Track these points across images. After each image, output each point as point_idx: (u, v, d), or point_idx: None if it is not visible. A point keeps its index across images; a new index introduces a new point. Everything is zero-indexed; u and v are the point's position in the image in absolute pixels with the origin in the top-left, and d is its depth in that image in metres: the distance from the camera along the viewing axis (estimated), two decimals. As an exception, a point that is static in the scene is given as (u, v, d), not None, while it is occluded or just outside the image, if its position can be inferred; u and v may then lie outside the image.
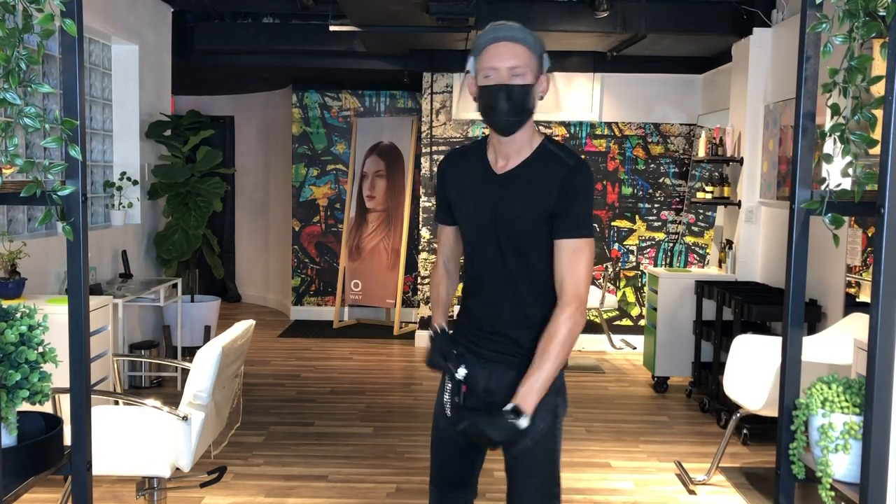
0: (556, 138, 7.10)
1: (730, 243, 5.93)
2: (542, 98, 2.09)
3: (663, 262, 7.24)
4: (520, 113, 2.04)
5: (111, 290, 5.08)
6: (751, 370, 3.93)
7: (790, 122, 5.22)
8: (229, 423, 3.48)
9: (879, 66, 1.61)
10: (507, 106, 2.02)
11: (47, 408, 2.75)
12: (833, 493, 1.77)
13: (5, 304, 1.80)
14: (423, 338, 7.24)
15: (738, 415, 4.14)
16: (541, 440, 2.13)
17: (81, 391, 1.78)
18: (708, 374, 5.41)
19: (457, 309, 2.35)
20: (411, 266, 7.99)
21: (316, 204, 8.37)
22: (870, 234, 4.22)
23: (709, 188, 6.01)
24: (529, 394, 2.00)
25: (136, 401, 3.03)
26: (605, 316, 6.99)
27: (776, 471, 1.91)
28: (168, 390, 5.63)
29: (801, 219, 1.84)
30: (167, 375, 5.88)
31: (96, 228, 5.61)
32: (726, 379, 4.12)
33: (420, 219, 7.43)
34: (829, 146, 1.76)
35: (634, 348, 6.98)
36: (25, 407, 1.75)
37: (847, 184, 1.74)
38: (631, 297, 7.29)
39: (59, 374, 1.83)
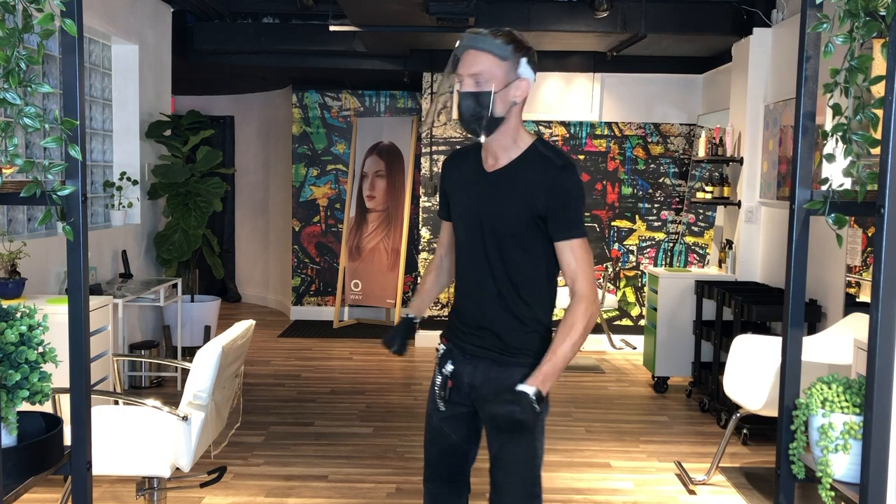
0: (556, 138, 7.13)
1: (730, 243, 5.93)
2: (516, 103, 2.12)
3: (663, 262, 7.24)
4: (483, 118, 2.08)
5: (111, 290, 5.08)
6: (751, 370, 3.93)
7: (790, 122, 5.22)
8: (229, 423, 3.48)
9: (880, 66, 1.61)
10: (468, 112, 2.09)
11: (47, 408, 2.75)
12: (833, 493, 1.77)
13: (5, 304, 1.80)
14: (422, 337, 7.24)
15: (738, 415, 4.14)
16: (520, 435, 2.17)
17: (81, 391, 1.78)
18: (708, 374, 5.41)
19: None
20: (411, 266, 7.99)
21: (316, 204, 8.37)
22: (870, 234, 4.22)
23: (709, 188, 6.01)
24: (544, 378, 2.07)
25: (136, 401, 3.03)
26: (605, 316, 6.99)
27: (776, 471, 1.91)
28: (168, 390, 5.63)
29: (801, 219, 1.85)
30: (167, 375, 5.88)
31: (96, 228, 5.61)
32: (726, 379, 4.12)
33: (420, 219, 7.43)
34: (830, 146, 1.76)
35: (634, 348, 6.98)
36: (25, 407, 1.75)
37: (849, 184, 1.74)
38: (631, 297, 7.29)
39: (59, 374, 1.83)
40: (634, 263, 7.27)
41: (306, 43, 6.78)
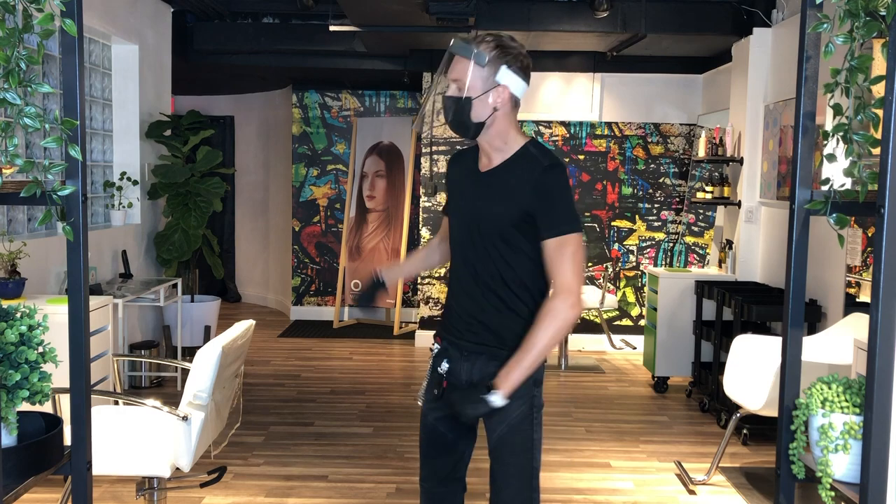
0: (556, 138, 7.13)
1: (730, 243, 5.93)
2: (496, 109, 2.15)
3: (663, 262, 7.24)
4: (462, 122, 2.15)
5: (111, 290, 5.08)
6: (751, 370, 3.93)
7: (790, 122, 5.22)
8: (229, 423, 3.48)
9: (880, 66, 1.61)
10: (450, 116, 2.18)
11: (47, 408, 2.75)
12: (833, 493, 1.77)
13: (5, 304, 1.80)
14: (423, 338, 7.24)
15: (738, 415, 4.14)
16: (517, 427, 2.19)
17: (81, 391, 1.78)
18: (708, 374, 5.41)
19: (441, 302, 2.37)
20: (411, 266, 7.97)
21: (316, 204, 8.37)
22: (870, 234, 4.22)
23: (709, 188, 6.01)
24: (507, 374, 2.10)
25: (136, 401, 3.03)
26: (605, 316, 6.99)
27: (776, 471, 1.91)
28: (168, 390, 5.63)
29: (801, 219, 1.85)
30: (167, 375, 5.88)
31: (96, 228, 5.61)
32: (726, 379, 4.12)
33: (420, 219, 7.43)
34: (831, 146, 1.76)
35: (634, 348, 6.98)
36: (25, 407, 1.75)
37: (850, 184, 1.74)
38: (631, 297, 7.29)
39: (59, 374, 1.83)
40: (634, 263, 7.27)
41: (306, 43, 6.78)
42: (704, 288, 5.52)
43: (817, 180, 1.82)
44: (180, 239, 6.06)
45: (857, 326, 3.99)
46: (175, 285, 5.87)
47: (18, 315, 1.76)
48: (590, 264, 7.20)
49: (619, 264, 7.26)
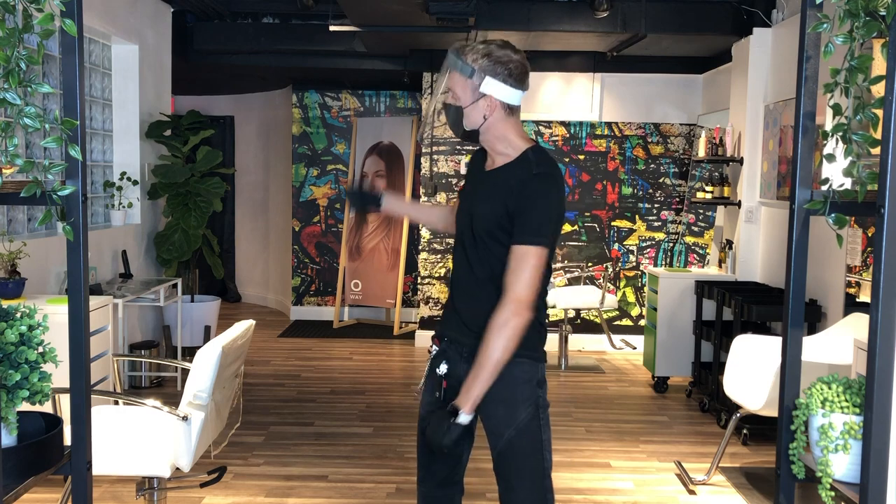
0: (556, 138, 7.13)
1: (730, 243, 5.93)
2: (486, 117, 2.18)
3: (663, 262, 7.24)
4: (458, 128, 2.23)
5: (111, 290, 5.07)
6: (751, 370, 3.93)
7: (790, 122, 5.22)
8: (229, 423, 3.48)
9: (880, 66, 1.61)
10: (448, 121, 2.27)
11: (47, 408, 2.75)
12: (833, 493, 1.77)
13: (5, 304, 1.80)
14: (423, 338, 7.24)
15: (738, 415, 4.14)
16: (525, 429, 2.20)
17: (81, 391, 1.78)
18: (708, 374, 5.41)
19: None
20: (411, 266, 7.99)
21: (316, 204, 8.37)
22: (870, 234, 4.22)
23: (709, 188, 6.01)
24: (467, 391, 2.11)
25: (136, 401, 3.03)
26: (605, 316, 6.99)
27: (776, 471, 1.91)
28: (168, 390, 5.63)
29: (801, 219, 1.85)
30: (167, 375, 5.88)
31: (96, 228, 5.61)
32: (726, 379, 4.12)
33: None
34: (831, 146, 1.76)
35: (634, 348, 6.98)
36: (25, 407, 1.75)
37: (849, 184, 1.74)
38: (631, 297, 7.29)
39: (59, 374, 1.83)
40: (634, 263, 7.27)
41: (306, 43, 6.78)
42: (704, 288, 5.52)
43: (817, 180, 1.82)
44: (180, 239, 6.06)
45: (857, 326, 3.99)
46: (175, 285, 5.87)
47: (18, 315, 1.76)
48: (590, 264, 7.21)
49: (619, 264, 7.26)
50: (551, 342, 2.34)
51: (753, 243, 5.71)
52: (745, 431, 4.67)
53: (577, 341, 7.17)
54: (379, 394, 5.65)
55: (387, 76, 7.55)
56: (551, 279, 2.33)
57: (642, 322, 7.16)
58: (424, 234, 7.30)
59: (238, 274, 9.46)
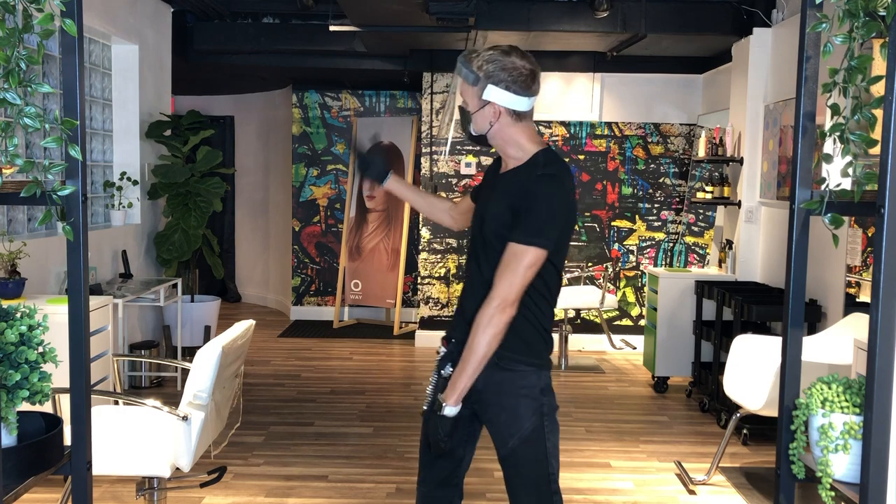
0: (556, 138, 7.13)
1: (730, 243, 5.93)
2: (492, 124, 2.20)
3: (663, 262, 7.24)
4: (470, 132, 2.28)
5: (111, 290, 5.07)
6: (751, 370, 3.93)
7: (790, 122, 5.22)
8: (229, 423, 3.48)
9: (879, 66, 1.61)
10: (462, 126, 2.31)
11: (47, 408, 2.75)
12: (833, 493, 1.77)
13: (5, 304, 1.80)
14: (422, 338, 7.24)
15: (738, 415, 4.14)
16: (528, 439, 2.21)
17: (81, 391, 1.78)
18: (708, 374, 5.41)
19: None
20: (411, 266, 7.99)
21: (316, 204, 8.37)
22: (870, 234, 4.22)
23: (709, 188, 6.01)
24: (452, 384, 2.15)
25: (136, 401, 3.03)
26: (605, 316, 6.99)
27: (776, 471, 1.91)
28: (168, 390, 5.63)
29: (801, 219, 1.84)
30: (167, 375, 5.88)
31: (96, 228, 5.61)
32: (726, 379, 4.12)
33: (420, 219, 7.43)
34: (829, 146, 1.76)
35: (634, 348, 6.98)
36: (25, 407, 1.75)
37: (847, 184, 1.74)
38: (631, 297, 7.29)
39: (59, 374, 1.83)
40: (634, 263, 7.27)
41: (306, 43, 6.78)
42: (704, 288, 5.52)
43: (817, 180, 1.82)
44: (180, 239, 6.06)
45: (857, 326, 3.99)
46: (175, 285, 5.87)
47: (18, 315, 1.76)
48: (590, 264, 7.21)
49: (619, 264, 7.26)
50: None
51: (753, 243, 5.71)
52: (745, 431, 4.67)
53: (577, 341, 7.17)
54: (379, 394, 5.65)
55: (387, 76, 7.55)
56: (561, 284, 2.31)
57: (642, 322, 7.16)
58: (424, 234, 7.29)
59: (238, 274, 9.46)
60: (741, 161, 5.72)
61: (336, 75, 7.73)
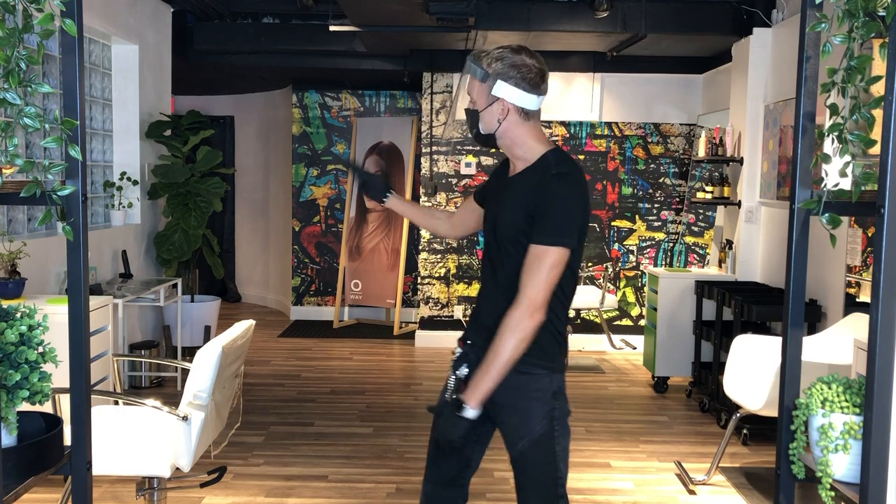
0: (556, 138, 7.12)
1: (730, 243, 5.93)
2: (500, 121, 2.20)
3: (663, 262, 7.24)
4: (477, 132, 2.27)
5: (111, 290, 5.08)
6: (751, 370, 3.93)
7: (790, 122, 5.23)
8: (229, 423, 3.48)
9: (879, 66, 1.61)
10: (469, 126, 2.31)
11: (47, 408, 2.75)
12: (833, 493, 1.77)
13: (5, 304, 1.80)
14: (422, 338, 7.24)
15: (738, 415, 4.14)
16: (538, 442, 2.19)
17: (81, 391, 1.78)
18: (708, 374, 5.41)
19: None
20: (411, 266, 7.99)
21: (316, 204, 8.38)
22: (870, 234, 4.22)
23: (709, 188, 6.01)
24: (475, 385, 2.11)
25: (136, 401, 3.03)
26: (605, 316, 6.99)
27: (776, 471, 1.91)
28: (168, 390, 5.63)
29: (800, 219, 1.84)
30: (167, 375, 5.88)
31: (96, 228, 5.61)
32: (726, 379, 4.12)
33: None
34: (827, 146, 1.76)
35: (634, 348, 6.98)
36: (25, 407, 1.75)
37: (845, 184, 1.74)
38: (631, 297, 7.29)
39: (59, 374, 1.83)
40: (634, 263, 7.27)
41: (306, 43, 6.78)
42: (704, 288, 5.52)
43: (817, 180, 1.82)
44: (180, 239, 6.06)
45: (857, 326, 3.99)
46: (175, 285, 5.87)
47: (18, 315, 1.76)
48: (590, 264, 7.21)
49: (619, 264, 7.26)
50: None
51: (753, 243, 5.71)
52: (745, 431, 4.67)
53: (577, 341, 7.17)
54: (379, 394, 5.65)
55: (387, 76, 7.55)
56: (576, 286, 2.30)
57: (642, 322, 7.16)
58: (424, 234, 7.29)
59: (238, 274, 9.47)
60: (741, 161, 5.72)
61: (336, 75, 7.73)
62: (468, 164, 7.21)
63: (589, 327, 7.23)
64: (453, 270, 7.29)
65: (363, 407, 5.32)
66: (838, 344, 4.00)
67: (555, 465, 2.22)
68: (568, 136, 7.19)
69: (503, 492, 3.88)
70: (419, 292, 7.35)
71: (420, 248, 7.41)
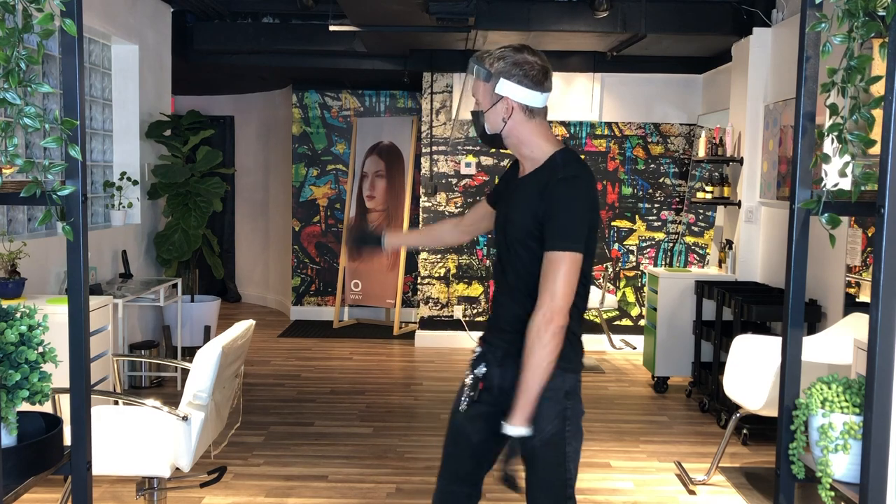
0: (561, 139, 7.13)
1: (730, 243, 5.93)
2: (505, 121, 2.19)
3: (663, 262, 7.24)
4: (483, 133, 2.26)
5: (111, 290, 5.08)
6: (751, 370, 3.93)
7: (790, 122, 5.22)
8: (229, 423, 3.48)
9: (879, 66, 1.61)
10: (475, 128, 2.31)
11: (47, 408, 2.75)
12: (833, 493, 1.77)
13: (5, 304, 1.80)
14: (422, 338, 7.24)
15: (738, 415, 4.14)
16: (549, 442, 2.19)
17: (81, 391, 1.78)
18: (708, 374, 5.41)
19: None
20: (411, 266, 7.99)
21: (316, 204, 8.37)
22: (870, 234, 4.22)
23: (709, 188, 6.01)
24: (517, 403, 2.09)
25: (136, 401, 3.03)
26: (605, 316, 6.99)
27: (776, 471, 1.91)
28: (168, 390, 5.63)
29: (800, 219, 1.84)
30: (167, 375, 5.88)
31: (96, 228, 5.61)
32: (726, 379, 4.12)
33: (420, 219, 7.43)
34: (827, 146, 1.76)
35: (634, 348, 6.98)
36: (25, 407, 1.75)
37: (845, 184, 1.74)
38: (631, 297, 7.29)
39: (59, 374, 1.83)
40: (634, 263, 7.27)
41: (306, 43, 6.78)
42: (704, 288, 5.52)
43: (817, 180, 1.82)
44: (180, 239, 6.06)
45: (857, 326, 3.99)
46: (175, 285, 5.87)
47: (18, 315, 1.76)
48: (590, 264, 7.19)
49: (619, 264, 7.26)
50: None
51: (753, 243, 5.71)
52: (745, 431, 4.67)
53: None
54: (379, 394, 5.65)
55: (387, 76, 7.55)
56: (589, 287, 2.29)
57: (642, 322, 7.16)
58: (424, 234, 7.28)
59: (238, 274, 9.46)
60: (741, 161, 5.72)
61: (336, 75, 7.73)
62: (468, 164, 7.21)
63: (589, 327, 7.23)
64: (453, 270, 7.29)
65: (363, 407, 5.32)
66: (838, 344, 4.00)
67: (564, 467, 2.22)
68: (568, 136, 7.19)
69: (503, 491, 3.87)
70: (419, 292, 7.35)
71: (420, 248, 7.40)
